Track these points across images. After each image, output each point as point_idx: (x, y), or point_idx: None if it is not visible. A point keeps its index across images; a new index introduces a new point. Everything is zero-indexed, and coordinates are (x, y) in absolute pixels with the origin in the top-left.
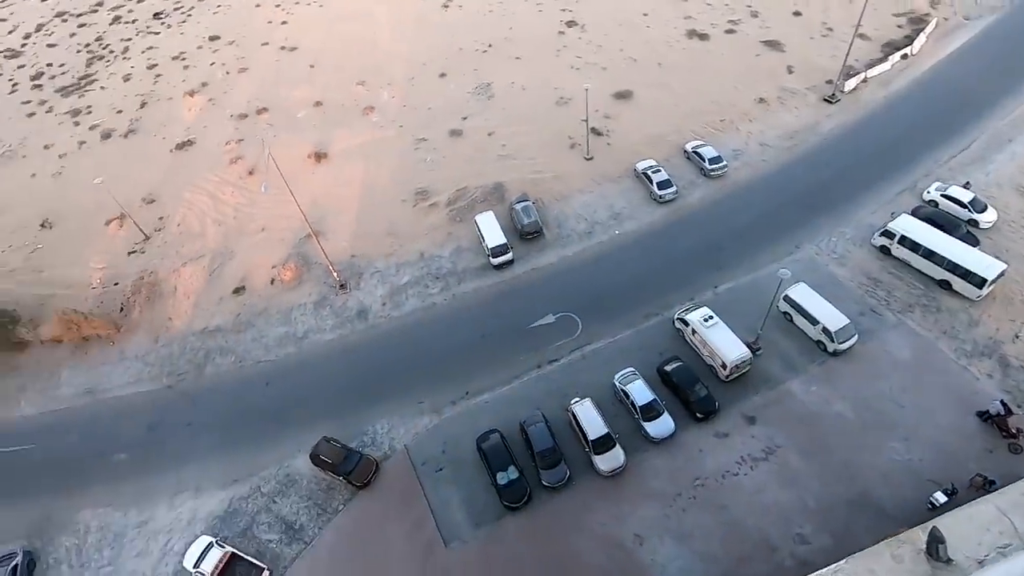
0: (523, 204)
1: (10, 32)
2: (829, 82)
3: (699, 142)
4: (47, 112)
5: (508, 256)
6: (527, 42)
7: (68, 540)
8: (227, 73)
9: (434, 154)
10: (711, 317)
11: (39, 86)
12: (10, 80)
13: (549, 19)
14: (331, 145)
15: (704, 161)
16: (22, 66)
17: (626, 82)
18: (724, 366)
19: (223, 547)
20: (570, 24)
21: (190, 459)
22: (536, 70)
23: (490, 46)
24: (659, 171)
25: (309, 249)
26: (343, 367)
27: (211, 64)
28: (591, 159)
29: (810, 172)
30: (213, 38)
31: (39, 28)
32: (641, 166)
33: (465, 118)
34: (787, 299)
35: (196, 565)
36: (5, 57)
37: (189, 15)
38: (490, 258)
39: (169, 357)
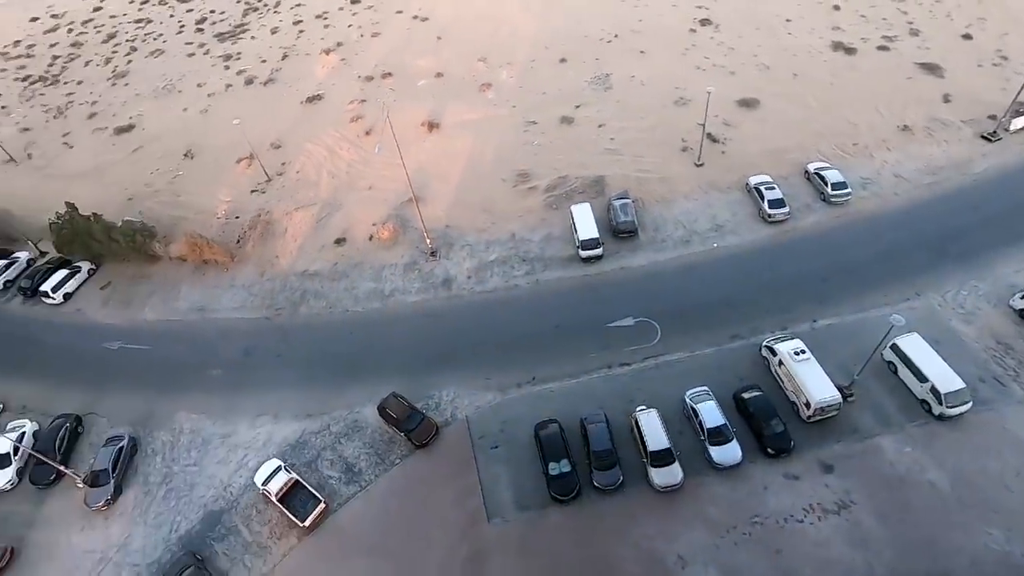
0: (622, 201)
1: None
2: (992, 117)
3: (824, 164)
4: (204, 54)
5: (598, 251)
6: (655, 36)
7: (165, 436)
8: (361, 36)
9: (541, 138)
10: (803, 351)
11: (201, 30)
12: (179, 23)
13: (682, 15)
14: (444, 116)
15: (826, 185)
16: (190, 11)
17: (753, 89)
18: (808, 405)
19: (289, 473)
20: (704, 23)
21: (274, 387)
22: (659, 66)
23: (616, 36)
24: (773, 188)
25: (408, 213)
26: (421, 330)
27: (348, 26)
28: (702, 165)
29: (949, 214)
30: (354, 1)
31: None
32: (754, 180)
33: (578, 106)
34: (895, 348)
35: (264, 483)
36: (179, 1)
37: None
38: (579, 250)
39: (271, 291)
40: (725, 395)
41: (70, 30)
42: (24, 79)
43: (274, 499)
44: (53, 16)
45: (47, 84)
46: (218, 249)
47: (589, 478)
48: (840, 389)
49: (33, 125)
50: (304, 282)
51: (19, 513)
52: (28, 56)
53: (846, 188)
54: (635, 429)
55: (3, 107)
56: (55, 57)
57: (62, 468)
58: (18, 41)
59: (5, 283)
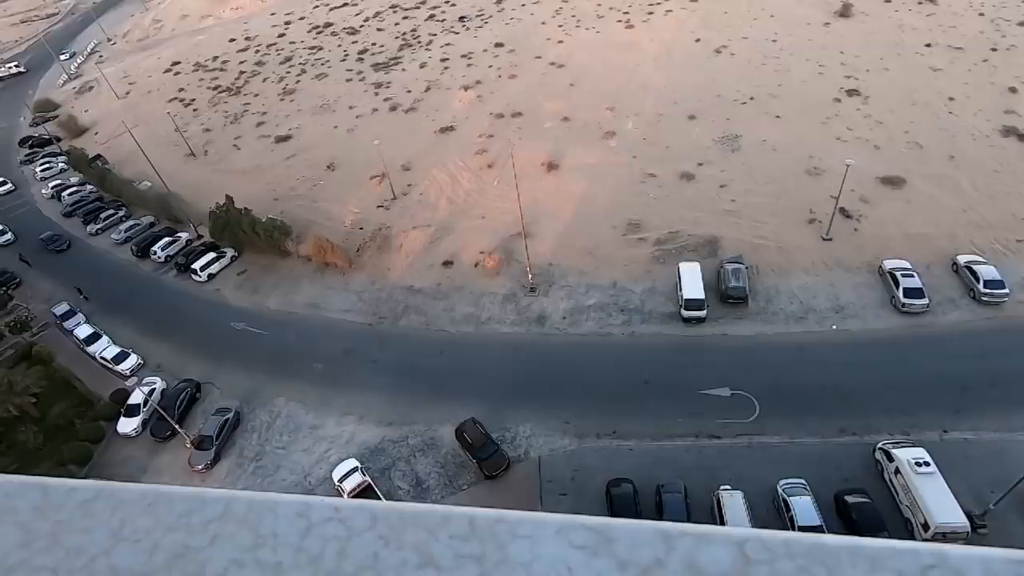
0: (735, 265)
1: (356, 15)
2: None
3: (977, 258)
4: (360, 80)
5: (702, 313)
6: (794, 102)
7: (264, 416)
8: (499, 76)
9: (658, 191)
10: (927, 463)
11: (361, 59)
12: (344, 52)
13: (828, 83)
14: (565, 158)
15: (978, 281)
16: (355, 42)
17: (900, 168)
18: (927, 527)
19: (364, 475)
20: (851, 93)
21: (365, 389)
22: (794, 133)
23: (751, 99)
24: (912, 276)
25: (515, 246)
26: (509, 362)
27: (489, 66)
28: (829, 240)
29: None
30: (498, 44)
31: (376, 15)
32: (890, 264)
33: (701, 164)
34: None
35: (340, 480)
36: (347, 33)
37: (486, 23)
38: (682, 309)
39: (377, 300)
40: (825, 493)
41: (256, 51)
42: (214, 88)
43: (346, 497)
44: (247, 39)
45: (231, 94)
46: (340, 254)
47: None
48: (969, 516)
49: (213, 127)
50: (408, 296)
51: (137, 459)
52: (221, 70)
53: (1003, 288)
54: (716, 509)
55: (195, 110)
56: (241, 72)
57: (177, 427)
58: (216, 57)
59: (167, 257)
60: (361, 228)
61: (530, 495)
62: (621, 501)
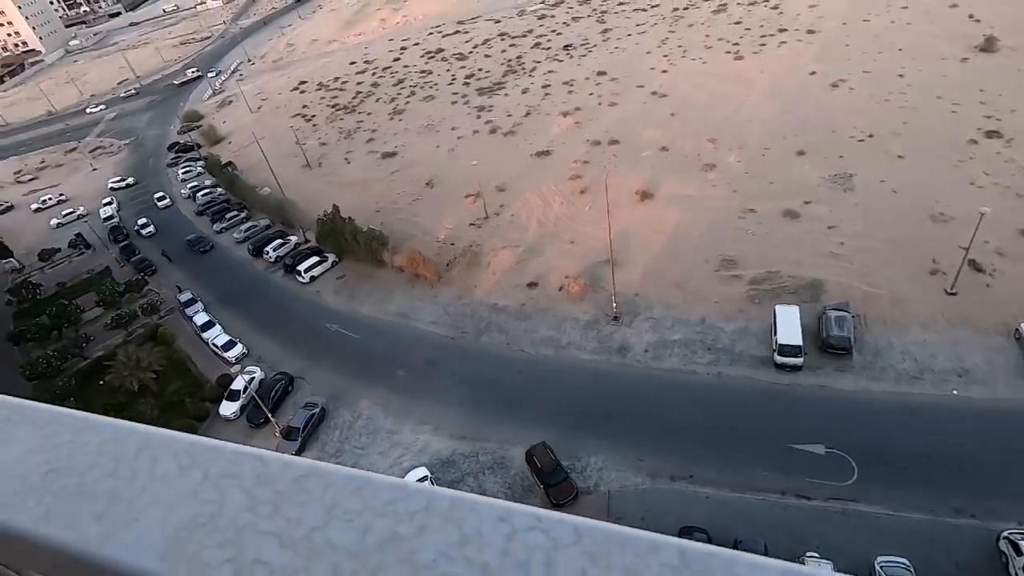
0: (839, 313)
1: (467, 42)
2: None
3: None
4: (464, 104)
5: (798, 361)
6: (921, 141)
7: (347, 415)
8: (599, 104)
9: (758, 228)
10: None
11: (467, 84)
12: (452, 76)
13: (962, 123)
14: (660, 188)
15: None
16: (463, 67)
17: None
18: None
19: (433, 486)
20: (991, 134)
21: (442, 401)
22: (919, 175)
23: (870, 136)
24: None
25: (602, 273)
26: (585, 390)
27: (589, 94)
28: (954, 294)
29: None
30: (600, 73)
31: (485, 42)
32: None
33: (808, 203)
34: None
35: None
36: (456, 58)
37: (590, 51)
38: (776, 354)
39: (462, 315)
40: None
41: (373, 73)
42: (333, 106)
43: None
44: (366, 62)
45: (347, 112)
46: (431, 267)
47: None
48: None
49: (329, 141)
50: (492, 314)
51: (233, 440)
52: (341, 90)
53: None
54: None
55: (314, 125)
56: (358, 93)
57: (270, 416)
58: (337, 78)
59: (277, 257)
60: (452, 244)
61: None
62: None
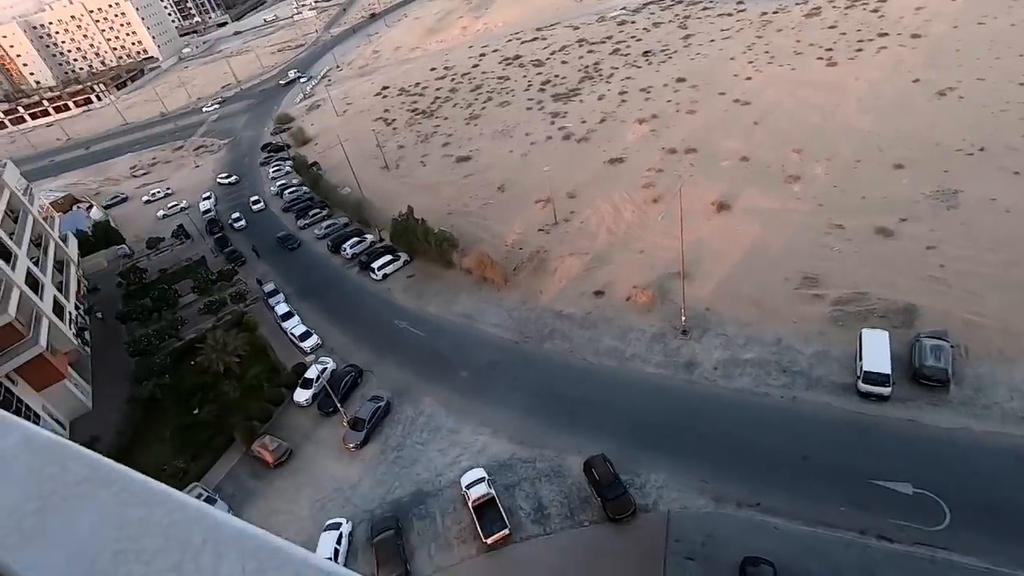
0: (935, 342)
1: (544, 48)
2: None
3: None
4: (539, 109)
5: (885, 390)
6: None
7: (410, 410)
8: (677, 111)
9: (845, 245)
10: None
11: (543, 90)
12: (528, 82)
13: None
14: (738, 200)
15: None
16: (540, 73)
17: None
18: None
19: (490, 488)
20: None
21: (503, 404)
22: None
23: (981, 150)
24: None
25: (671, 285)
26: (649, 404)
27: (667, 101)
28: None
29: None
30: (679, 80)
31: (562, 48)
32: None
33: (904, 220)
34: None
35: (467, 487)
36: (533, 65)
37: (670, 58)
38: (860, 382)
39: (526, 320)
40: None
41: (452, 79)
42: (412, 111)
43: (470, 505)
44: (446, 68)
45: (425, 116)
46: (498, 271)
47: None
48: None
49: (406, 144)
50: (556, 321)
51: (304, 426)
52: (420, 95)
53: None
54: None
55: (394, 129)
56: (436, 98)
57: (339, 405)
58: (418, 83)
59: (353, 254)
60: (521, 248)
61: (653, 550)
62: None
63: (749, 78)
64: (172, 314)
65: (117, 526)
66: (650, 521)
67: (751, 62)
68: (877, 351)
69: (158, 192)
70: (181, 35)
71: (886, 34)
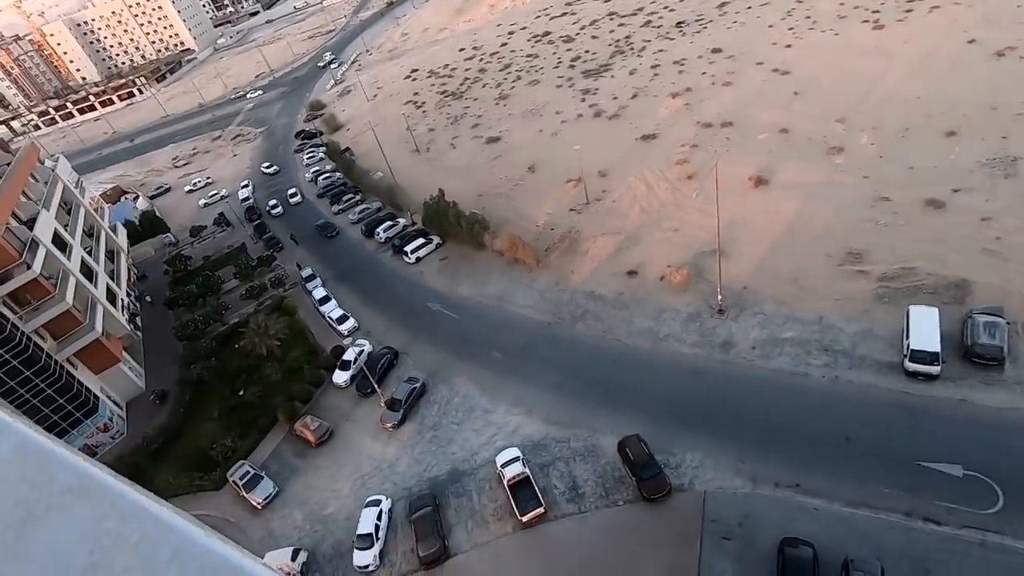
0: (989, 319)
1: (574, 23)
2: None
3: None
4: (569, 87)
5: (934, 369)
6: None
7: (444, 391)
8: (712, 84)
9: (892, 218)
10: None
11: (573, 67)
12: (558, 59)
13: None
14: (777, 174)
15: None
16: (569, 49)
17: None
18: None
19: (524, 467)
20: None
21: (536, 384)
22: None
23: None
24: None
25: (707, 263)
26: (684, 384)
27: (702, 73)
28: None
29: None
30: (715, 51)
31: (592, 23)
32: None
33: (956, 190)
34: None
35: (503, 466)
36: (563, 41)
37: (705, 27)
38: (906, 360)
39: (559, 301)
40: None
41: (481, 59)
42: (442, 92)
43: (505, 483)
44: (474, 48)
45: (455, 98)
46: (529, 252)
47: None
48: None
49: (437, 127)
50: (589, 302)
51: (343, 407)
52: (449, 76)
53: None
54: None
55: (424, 112)
56: (466, 79)
57: (376, 386)
58: (447, 65)
59: (387, 238)
60: (552, 229)
61: (689, 530)
62: (796, 565)
63: (789, 46)
64: (216, 299)
65: (93, 539)
66: (685, 501)
67: (791, 29)
68: (925, 328)
69: (199, 182)
70: (215, 26)
71: None
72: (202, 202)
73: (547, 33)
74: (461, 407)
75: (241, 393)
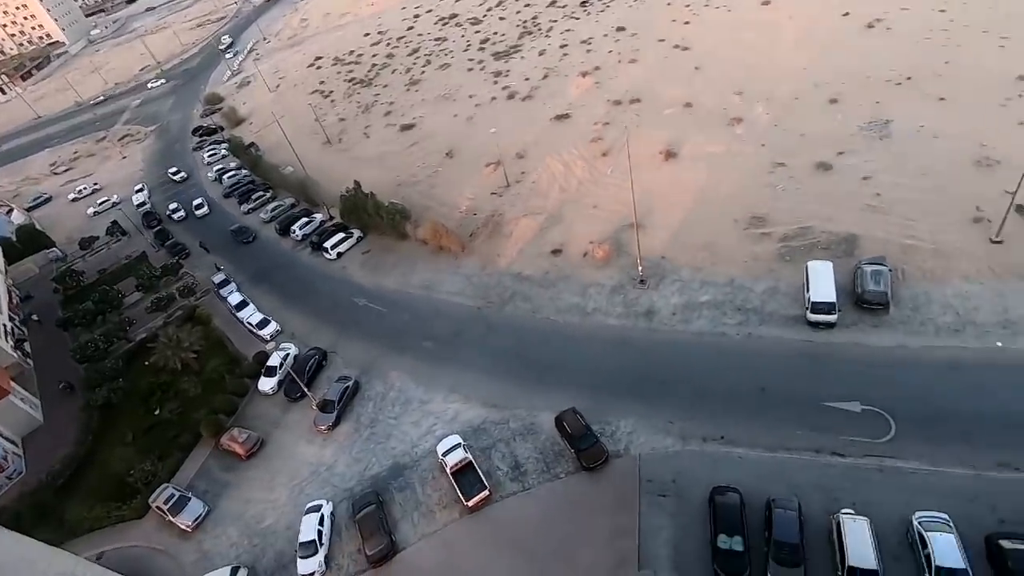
0: (875, 267)
1: (480, 4)
2: None
3: None
4: (481, 70)
5: (831, 318)
6: (963, 82)
7: (379, 387)
8: (619, 61)
9: (788, 183)
10: None
11: (483, 49)
12: (467, 42)
13: (1012, 59)
14: (684, 146)
15: None
16: (478, 31)
17: None
18: None
19: (466, 452)
20: None
21: (471, 370)
22: (962, 118)
23: (909, 79)
24: None
25: (626, 237)
26: (613, 355)
27: (608, 52)
28: (1000, 243)
29: None
30: (619, 28)
31: (499, 3)
32: None
33: (841, 153)
34: None
35: (444, 455)
36: (470, 23)
37: (608, 6)
38: (808, 312)
39: (486, 285)
40: (973, 534)
41: (388, 44)
42: (349, 80)
43: (448, 471)
44: (380, 33)
45: (363, 85)
46: (453, 239)
47: (762, 567)
48: None
49: (347, 116)
50: (516, 283)
51: (272, 414)
52: (356, 63)
53: None
54: (835, 534)
55: (332, 101)
56: (374, 65)
57: (306, 390)
58: (352, 51)
59: (304, 236)
60: (475, 214)
61: (628, 492)
62: (726, 511)
63: (687, 23)
64: (118, 315)
65: None
66: (622, 466)
67: (688, 6)
68: (822, 282)
69: (84, 188)
70: (87, 15)
71: None
72: (91, 210)
73: (454, 15)
74: (397, 400)
75: (156, 412)
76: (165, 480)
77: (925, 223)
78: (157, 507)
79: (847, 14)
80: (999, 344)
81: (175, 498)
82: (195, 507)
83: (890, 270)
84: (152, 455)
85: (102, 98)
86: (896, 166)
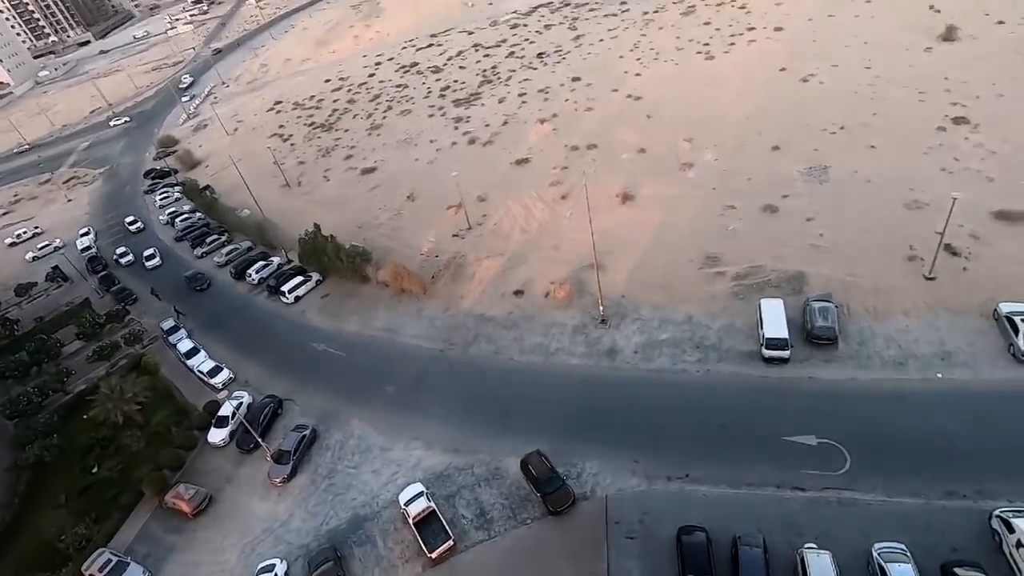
0: (822, 304)
1: (440, 54)
2: None
3: None
4: (441, 116)
5: (785, 353)
6: (890, 132)
7: (338, 435)
8: (576, 109)
9: (739, 224)
10: None
11: (443, 96)
12: (428, 89)
13: (930, 111)
14: (640, 189)
15: None
16: (438, 79)
17: (1020, 201)
18: None
19: (429, 501)
20: (958, 121)
21: (433, 415)
22: (891, 164)
23: (842, 128)
24: None
25: (587, 277)
26: (577, 395)
27: (565, 100)
28: (933, 279)
29: None
30: (575, 79)
31: (459, 53)
32: (1007, 308)
33: (786, 196)
34: None
35: (406, 504)
36: (431, 71)
37: (564, 58)
38: (763, 348)
39: (450, 327)
40: (929, 564)
41: (349, 90)
42: (310, 124)
43: (411, 522)
44: (341, 79)
45: (324, 130)
46: (415, 281)
47: None
48: None
49: (307, 160)
50: (479, 324)
51: (223, 468)
52: (316, 108)
53: None
54: (800, 569)
55: (292, 144)
56: (334, 110)
57: (260, 440)
58: (313, 96)
59: (260, 279)
60: (437, 256)
61: (595, 536)
62: (693, 551)
63: (638, 74)
64: (55, 366)
65: None
66: (590, 508)
67: (638, 59)
68: (775, 318)
69: (24, 233)
70: (35, 56)
71: (753, 28)
72: (30, 255)
73: (415, 64)
74: (357, 449)
75: (94, 470)
76: (101, 544)
77: (865, 261)
78: (91, 575)
79: (784, 69)
80: (939, 375)
81: (112, 564)
82: (134, 573)
83: (836, 306)
84: (88, 517)
85: (51, 139)
86: (836, 208)
